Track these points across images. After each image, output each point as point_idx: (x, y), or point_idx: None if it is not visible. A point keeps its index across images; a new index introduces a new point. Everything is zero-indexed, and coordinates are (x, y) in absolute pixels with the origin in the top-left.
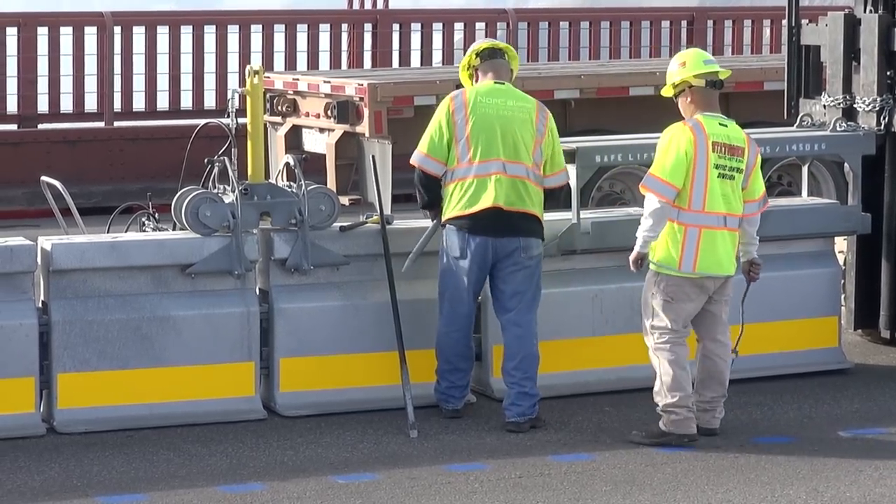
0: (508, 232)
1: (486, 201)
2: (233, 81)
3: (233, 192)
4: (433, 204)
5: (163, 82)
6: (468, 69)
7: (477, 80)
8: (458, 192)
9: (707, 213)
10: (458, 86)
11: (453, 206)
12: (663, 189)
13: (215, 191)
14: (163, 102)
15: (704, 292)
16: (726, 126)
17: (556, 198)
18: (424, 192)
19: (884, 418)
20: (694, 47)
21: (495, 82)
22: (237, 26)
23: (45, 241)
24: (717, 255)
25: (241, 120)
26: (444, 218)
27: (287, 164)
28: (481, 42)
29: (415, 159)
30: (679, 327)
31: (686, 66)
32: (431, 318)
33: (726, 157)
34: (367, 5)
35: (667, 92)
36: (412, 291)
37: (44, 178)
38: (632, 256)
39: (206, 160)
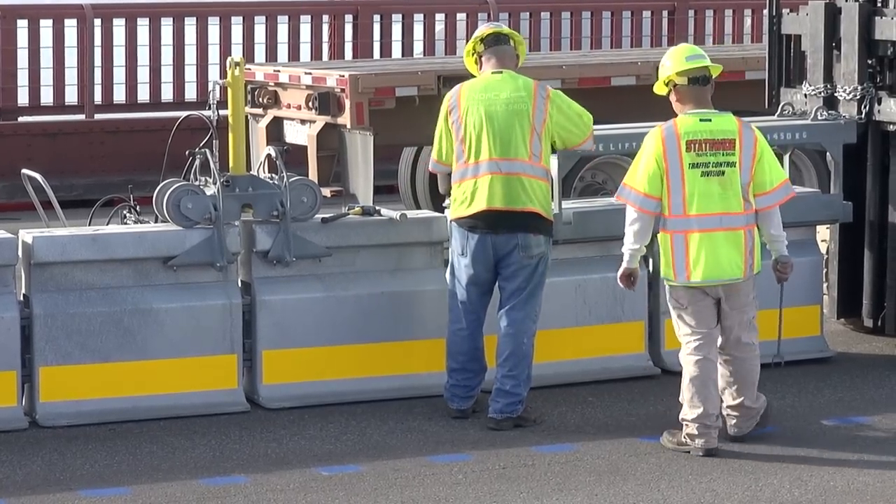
0: (506, 228)
1: (480, 203)
2: (214, 73)
3: (214, 184)
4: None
5: (143, 74)
6: (473, 55)
7: (481, 67)
8: (459, 194)
9: (690, 216)
10: (440, 77)
11: (455, 208)
12: (638, 200)
13: (197, 183)
14: (143, 95)
15: (710, 295)
16: (710, 120)
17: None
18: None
19: (867, 407)
20: (683, 43)
21: (494, 72)
22: (217, 18)
23: (27, 234)
24: (710, 260)
25: (222, 112)
26: (449, 218)
27: (269, 155)
28: (485, 27)
29: (430, 167)
30: (703, 328)
31: (670, 64)
32: (429, 309)
33: (708, 153)
34: None
35: (659, 90)
36: (410, 282)
37: (24, 170)
38: (619, 273)
39: (187, 152)
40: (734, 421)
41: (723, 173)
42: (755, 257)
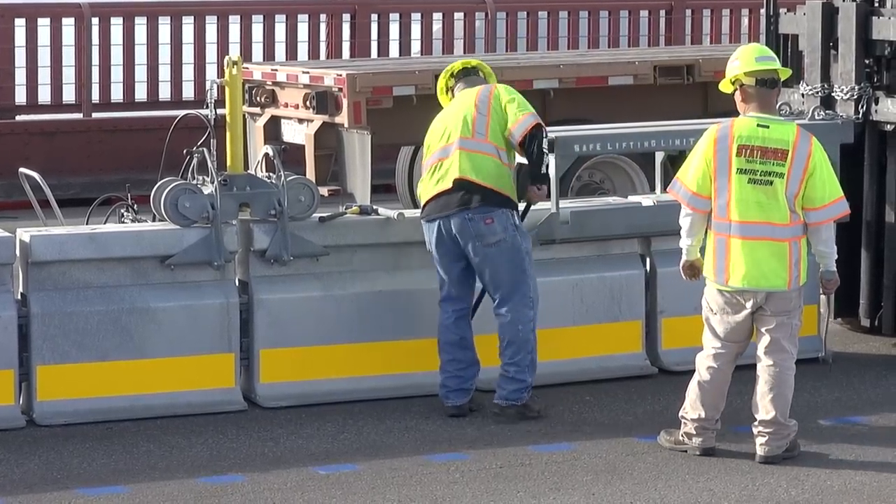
0: (450, 205)
1: (429, 194)
2: (211, 72)
3: (212, 183)
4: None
5: (141, 73)
6: (447, 92)
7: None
8: None
9: (733, 221)
10: (437, 76)
11: None
12: (687, 196)
13: (194, 182)
14: (141, 94)
15: (744, 306)
16: (767, 127)
17: (530, 154)
18: None
19: (864, 406)
20: (754, 42)
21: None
22: (215, 17)
23: (24, 233)
24: (750, 267)
25: (219, 111)
26: None
27: (266, 154)
28: (454, 63)
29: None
30: (728, 340)
31: (739, 62)
32: (427, 308)
33: (757, 161)
34: None
35: (724, 87)
36: (407, 281)
37: (22, 169)
38: (680, 266)
39: (185, 151)
40: (765, 439)
41: (770, 183)
42: (801, 269)
